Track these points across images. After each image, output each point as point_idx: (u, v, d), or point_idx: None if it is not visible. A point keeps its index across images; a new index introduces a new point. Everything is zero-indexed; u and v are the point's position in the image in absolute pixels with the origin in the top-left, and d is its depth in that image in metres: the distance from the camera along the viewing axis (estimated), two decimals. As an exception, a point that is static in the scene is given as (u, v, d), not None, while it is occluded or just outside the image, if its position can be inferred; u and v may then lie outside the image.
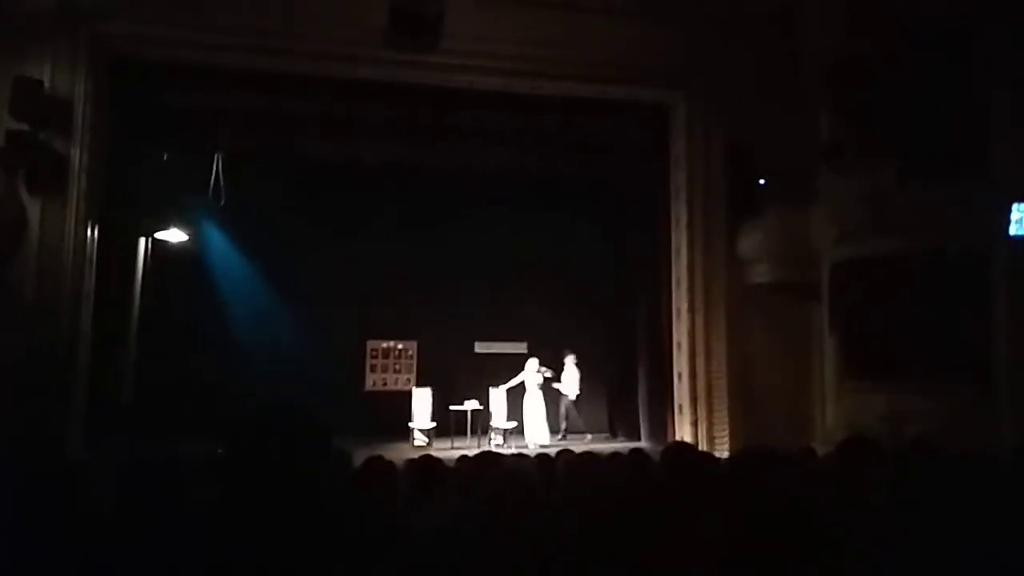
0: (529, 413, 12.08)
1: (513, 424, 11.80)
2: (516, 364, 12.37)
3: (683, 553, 1.95)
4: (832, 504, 2.79)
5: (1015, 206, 7.56)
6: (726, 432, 9.64)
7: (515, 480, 1.99)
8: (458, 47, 9.27)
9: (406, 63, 9.36)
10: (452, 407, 11.82)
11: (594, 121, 10.56)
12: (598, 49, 9.51)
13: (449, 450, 10.37)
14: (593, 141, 11.18)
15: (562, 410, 12.59)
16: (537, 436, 11.87)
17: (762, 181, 9.73)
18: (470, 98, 9.94)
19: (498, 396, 11.95)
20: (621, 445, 10.79)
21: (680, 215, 10.23)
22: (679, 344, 10.16)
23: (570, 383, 12.63)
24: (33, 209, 8.39)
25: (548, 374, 12.22)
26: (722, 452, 8.64)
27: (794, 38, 9.52)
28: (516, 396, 12.09)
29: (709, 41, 9.83)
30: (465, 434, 11.70)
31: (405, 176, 12.29)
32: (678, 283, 10.23)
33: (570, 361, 12.68)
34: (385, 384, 13.64)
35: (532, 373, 12.14)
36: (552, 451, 5.40)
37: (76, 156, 8.59)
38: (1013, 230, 7.57)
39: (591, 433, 12.55)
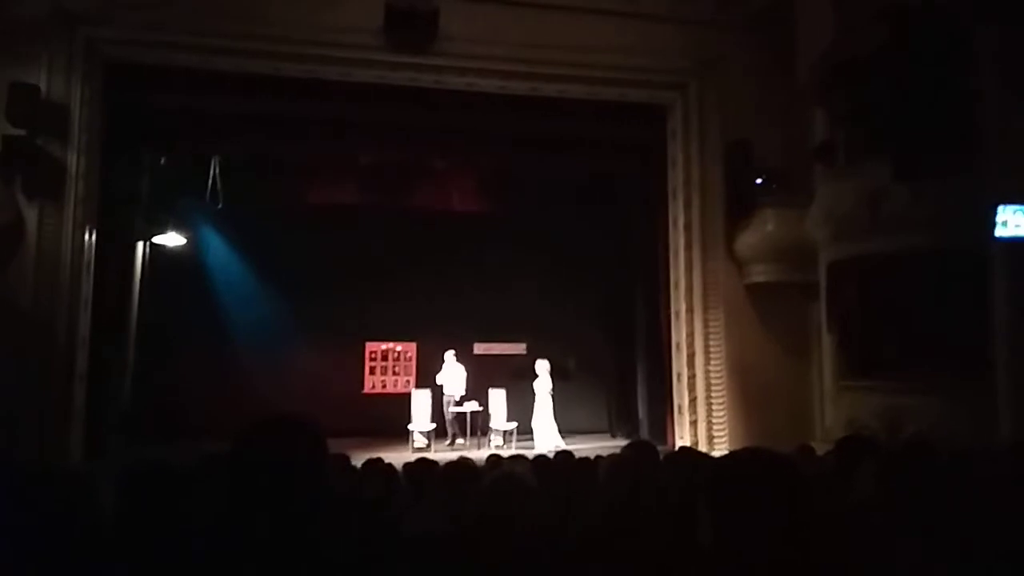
0: (539, 417, 11.56)
1: (514, 425, 11.78)
2: (515, 365, 12.33)
3: (673, 555, 1.95)
4: (829, 503, 2.80)
5: (1000, 208, 7.53)
6: (725, 432, 9.65)
7: (511, 483, 2.00)
8: (455, 49, 9.30)
9: (403, 65, 9.37)
10: (452, 408, 11.82)
11: (592, 122, 10.54)
12: (595, 51, 9.53)
13: (448, 451, 10.38)
14: (591, 142, 11.16)
15: (447, 414, 11.83)
16: (550, 440, 11.22)
17: (759, 181, 9.74)
18: (468, 100, 9.94)
19: (498, 397, 11.93)
20: (621, 446, 10.74)
21: (677, 216, 10.23)
22: (678, 345, 10.17)
23: (453, 381, 11.87)
24: (30, 215, 8.38)
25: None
26: (722, 452, 8.65)
27: (790, 38, 9.52)
28: (518, 398, 12.04)
29: (705, 42, 9.86)
30: (465, 436, 11.70)
31: (404, 177, 12.30)
32: (676, 284, 10.23)
33: (450, 356, 12.02)
34: (384, 386, 13.64)
35: (544, 375, 11.73)
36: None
37: (73, 161, 8.60)
38: (998, 232, 7.55)
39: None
